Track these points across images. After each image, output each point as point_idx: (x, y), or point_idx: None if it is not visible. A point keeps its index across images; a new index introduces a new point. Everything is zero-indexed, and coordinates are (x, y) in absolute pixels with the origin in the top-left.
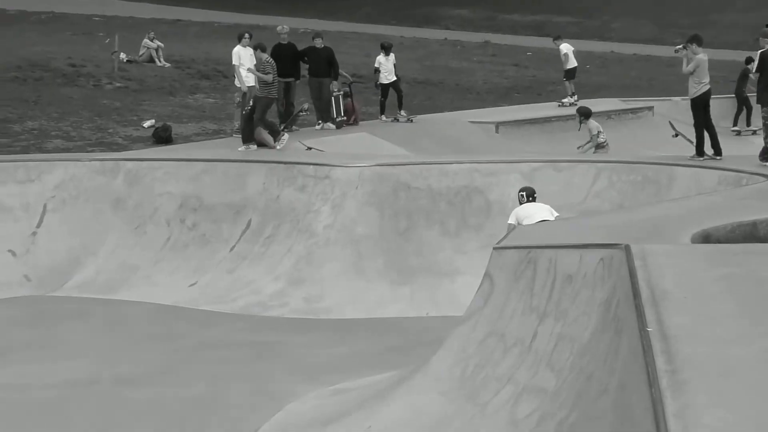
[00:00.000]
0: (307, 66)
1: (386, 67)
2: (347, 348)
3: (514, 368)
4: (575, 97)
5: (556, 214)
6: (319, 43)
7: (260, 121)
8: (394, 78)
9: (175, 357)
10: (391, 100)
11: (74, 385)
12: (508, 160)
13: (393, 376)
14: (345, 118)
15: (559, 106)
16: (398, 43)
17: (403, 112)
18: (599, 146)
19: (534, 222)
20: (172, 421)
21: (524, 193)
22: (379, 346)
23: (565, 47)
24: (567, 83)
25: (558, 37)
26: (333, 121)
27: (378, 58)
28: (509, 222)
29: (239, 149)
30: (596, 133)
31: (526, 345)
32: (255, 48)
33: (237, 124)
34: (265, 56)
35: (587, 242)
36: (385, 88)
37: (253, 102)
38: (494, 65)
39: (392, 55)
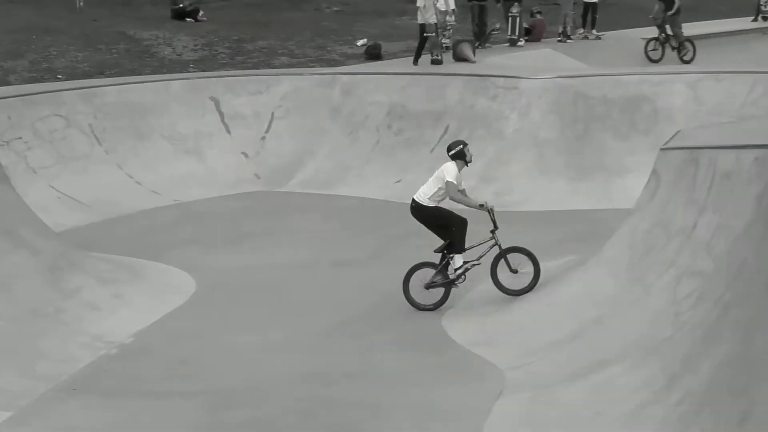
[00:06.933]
0: None
1: None
2: (531, 237)
3: (677, 254)
4: None
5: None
6: None
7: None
8: None
9: (383, 244)
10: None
11: (297, 267)
12: (674, 72)
13: (570, 260)
14: (520, 36)
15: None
16: None
17: (594, 31)
18: None
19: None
20: (382, 298)
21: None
22: (558, 235)
23: None
24: None
25: None
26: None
27: None
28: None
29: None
30: None
31: (687, 234)
32: None
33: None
34: None
35: (743, 143)
36: (585, 6)
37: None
38: None
39: None
